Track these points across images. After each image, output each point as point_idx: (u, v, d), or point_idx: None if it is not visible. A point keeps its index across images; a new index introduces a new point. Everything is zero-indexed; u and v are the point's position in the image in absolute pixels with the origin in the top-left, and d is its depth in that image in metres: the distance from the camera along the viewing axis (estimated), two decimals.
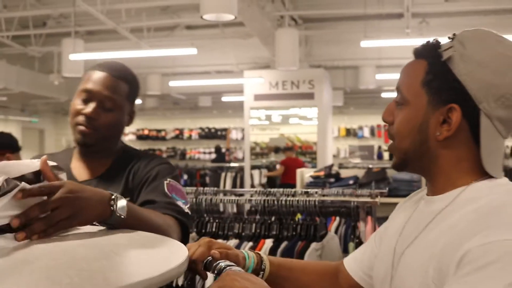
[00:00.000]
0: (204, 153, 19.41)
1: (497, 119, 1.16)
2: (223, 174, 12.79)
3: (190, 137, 20.10)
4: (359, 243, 3.26)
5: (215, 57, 11.81)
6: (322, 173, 8.39)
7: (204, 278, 1.37)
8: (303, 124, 18.42)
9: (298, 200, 3.48)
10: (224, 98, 15.50)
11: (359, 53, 11.52)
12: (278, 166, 12.84)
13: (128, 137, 19.05)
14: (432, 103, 1.21)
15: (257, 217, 3.56)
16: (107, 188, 1.57)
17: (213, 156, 17.31)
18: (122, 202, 1.35)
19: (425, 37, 7.23)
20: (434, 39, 1.25)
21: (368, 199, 3.49)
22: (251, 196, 3.74)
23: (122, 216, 1.33)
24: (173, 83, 12.57)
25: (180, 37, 10.65)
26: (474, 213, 1.09)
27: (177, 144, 20.17)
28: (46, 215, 1.19)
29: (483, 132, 1.17)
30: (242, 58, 12.02)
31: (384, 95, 14.67)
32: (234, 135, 19.53)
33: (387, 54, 11.19)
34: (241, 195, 3.90)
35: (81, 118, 1.80)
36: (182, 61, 11.84)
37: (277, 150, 17.39)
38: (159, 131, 19.63)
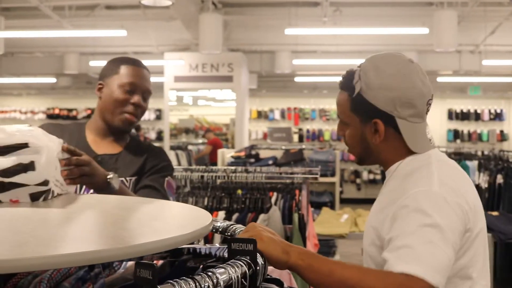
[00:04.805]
0: None
1: (409, 116, 1.66)
2: None
3: None
4: (301, 214, 3.65)
5: (135, 38, 11.82)
6: (243, 154, 8.77)
7: None
8: (212, 106, 18.67)
9: (246, 176, 3.83)
10: None
11: (276, 39, 11.92)
12: (202, 147, 13.33)
13: (38, 115, 18.48)
14: (363, 121, 1.71)
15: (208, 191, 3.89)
16: (128, 163, 2.08)
17: None
18: (116, 180, 1.81)
19: (339, 26, 7.76)
20: (348, 71, 1.75)
21: (309, 176, 3.92)
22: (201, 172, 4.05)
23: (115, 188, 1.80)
24: (93, 63, 12.44)
25: (101, 17, 10.61)
26: (400, 179, 1.64)
27: None
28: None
29: (402, 129, 1.67)
30: (163, 40, 12.09)
31: (297, 79, 15.15)
32: (147, 115, 19.50)
33: (303, 40, 11.64)
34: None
35: (130, 107, 2.12)
36: (101, 41, 11.79)
37: (187, 131, 17.54)
38: (70, 110, 19.15)
